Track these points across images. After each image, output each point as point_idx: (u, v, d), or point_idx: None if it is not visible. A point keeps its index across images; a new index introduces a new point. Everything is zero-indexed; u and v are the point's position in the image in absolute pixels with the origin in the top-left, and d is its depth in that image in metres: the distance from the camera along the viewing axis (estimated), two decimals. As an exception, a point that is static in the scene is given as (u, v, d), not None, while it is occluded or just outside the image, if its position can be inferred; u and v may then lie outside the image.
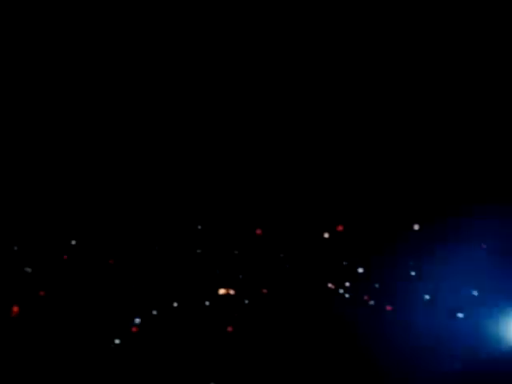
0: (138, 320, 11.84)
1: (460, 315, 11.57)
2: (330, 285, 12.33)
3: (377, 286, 12.02)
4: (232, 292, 12.45)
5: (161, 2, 12.23)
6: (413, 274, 12.01)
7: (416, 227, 12.14)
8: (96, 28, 12.19)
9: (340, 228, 12.31)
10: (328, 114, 12.45)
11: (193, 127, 12.58)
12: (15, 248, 12.04)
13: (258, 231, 12.56)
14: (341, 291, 12.18)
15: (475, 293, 11.71)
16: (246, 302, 12.30)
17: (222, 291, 12.46)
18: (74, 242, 12.18)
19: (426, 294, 11.88)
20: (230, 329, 11.97)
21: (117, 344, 11.81)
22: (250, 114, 12.54)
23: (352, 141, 12.46)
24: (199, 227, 12.51)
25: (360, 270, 12.16)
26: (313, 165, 12.50)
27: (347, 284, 12.15)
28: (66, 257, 12.15)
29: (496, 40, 12.01)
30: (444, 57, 12.22)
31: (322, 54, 12.39)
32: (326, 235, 12.42)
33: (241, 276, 12.54)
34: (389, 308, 11.91)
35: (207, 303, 12.19)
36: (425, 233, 12.18)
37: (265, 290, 12.45)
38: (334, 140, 12.48)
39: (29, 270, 11.92)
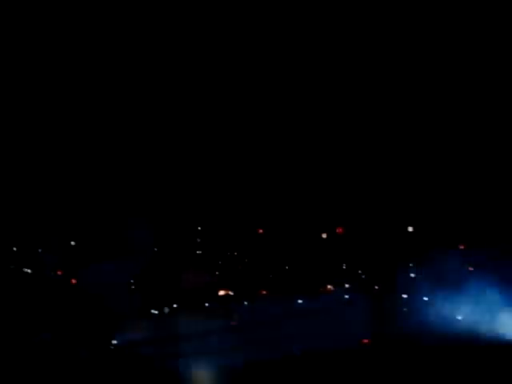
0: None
1: (459, 317, 11.61)
2: (329, 286, 12.37)
3: (376, 287, 12.05)
4: (231, 293, 12.48)
5: (161, 2, 12.23)
6: (412, 275, 12.05)
7: (410, 229, 12.18)
8: (96, 28, 12.19)
9: (340, 230, 12.33)
10: (328, 115, 12.45)
11: (193, 128, 12.59)
12: (15, 249, 12.10)
13: (260, 230, 12.57)
14: (341, 292, 12.21)
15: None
16: (246, 303, 12.35)
17: (221, 292, 12.47)
18: (73, 243, 12.20)
19: (426, 294, 11.92)
20: (230, 330, 12.00)
21: (115, 344, 11.87)
22: (250, 114, 12.55)
23: (352, 143, 12.47)
24: (199, 228, 12.54)
25: (359, 272, 12.18)
26: (313, 166, 12.51)
27: (347, 285, 12.18)
28: (65, 258, 12.20)
29: (496, 40, 12.01)
30: (444, 57, 12.22)
31: (322, 55, 12.39)
32: (326, 237, 12.43)
33: (241, 277, 12.56)
34: (388, 308, 11.97)
35: (207, 304, 12.22)
36: (420, 234, 12.23)
37: (264, 292, 12.50)
38: (334, 142, 12.49)
39: (28, 270, 11.96)
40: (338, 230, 12.35)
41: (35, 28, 12.08)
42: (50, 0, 11.98)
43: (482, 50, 12.08)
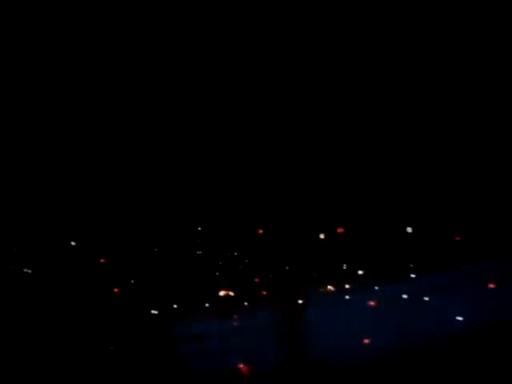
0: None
1: (460, 318, 11.63)
2: (330, 287, 12.36)
3: (377, 288, 12.06)
4: (232, 293, 12.47)
5: (161, 2, 12.23)
6: (412, 275, 12.06)
7: (409, 230, 12.19)
8: (96, 28, 12.18)
9: (341, 230, 12.33)
10: (328, 116, 12.45)
11: (193, 128, 12.59)
12: (15, 249, 12.09)
13: (260, 231, 12.57)
14: (341, 293, 12.20)
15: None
16: (246, 303, 12.34)
17: (222, 293, 12.47)
18: (73, 243, 12.19)
19: (426, 295, 11.93)
20: (230, 330, 12.00)
21: (116, 345, 11.85)
22: (250, 114, 12.54)
23: (352, 144, 12.47)
24: (199, 228, 12.54)
25: (360, 272, 12.19)
26: (314, 167, 12.51)
27: (347, 286, 12.19)
28: (66, 258, 12.19)
29: (496, 40, 12.02)
30: (444, 57, 12.23)
31: (322, 55, 12.40)
32: (328, 237, 12.44)
33: (241, 277, 12.56)
34: (389, 309, 11.97)
35: (207, 305, 12.22)
36: (419, 235, 12.24)
37: (265, 292, 12.49)
38: (334, 142, 12.49)
39: (29, 271, 11.95)
40: (338, 231, 12.37)
41: (35, 28, 12.09)
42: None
43: (482, 50, 12.10)
